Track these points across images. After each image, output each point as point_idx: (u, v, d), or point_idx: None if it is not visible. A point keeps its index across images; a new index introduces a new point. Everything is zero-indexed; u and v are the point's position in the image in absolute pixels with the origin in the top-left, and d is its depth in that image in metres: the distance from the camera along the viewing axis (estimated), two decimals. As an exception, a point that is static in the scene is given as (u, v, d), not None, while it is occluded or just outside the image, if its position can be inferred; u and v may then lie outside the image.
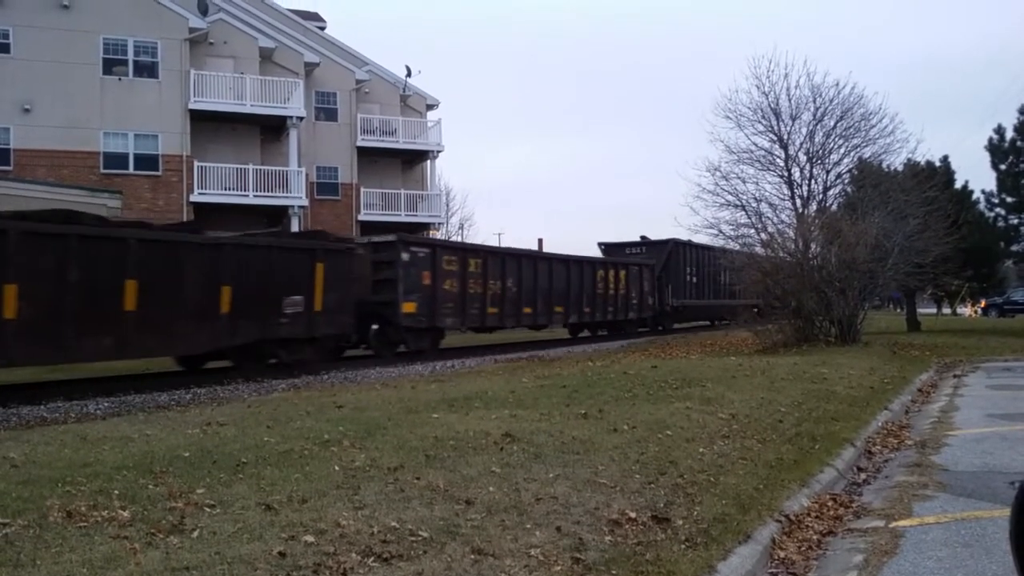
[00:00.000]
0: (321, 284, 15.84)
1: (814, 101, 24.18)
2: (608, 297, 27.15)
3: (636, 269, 29.15)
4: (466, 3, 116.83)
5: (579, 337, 27.85)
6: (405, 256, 18.25)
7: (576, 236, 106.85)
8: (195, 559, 3.74)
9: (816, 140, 24.46)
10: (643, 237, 33.36)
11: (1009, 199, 29.36)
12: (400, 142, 35.33)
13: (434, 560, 3.87)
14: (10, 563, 3.66)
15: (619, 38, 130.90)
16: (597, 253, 32.78)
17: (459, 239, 53.67)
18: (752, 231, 23.79)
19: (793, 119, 24.41)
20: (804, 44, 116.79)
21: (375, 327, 18.21)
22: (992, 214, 30.47)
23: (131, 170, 28.25)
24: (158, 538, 4.04)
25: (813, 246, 21.06)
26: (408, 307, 18.19)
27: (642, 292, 29.24)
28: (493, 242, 56.22)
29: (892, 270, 20.69)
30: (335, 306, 16.16)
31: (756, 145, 24.77)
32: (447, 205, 49.90)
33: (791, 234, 22.08)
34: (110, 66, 28.15)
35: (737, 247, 24.45)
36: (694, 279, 32.50)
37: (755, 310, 31.26)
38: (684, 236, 30.70)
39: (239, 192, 29.23)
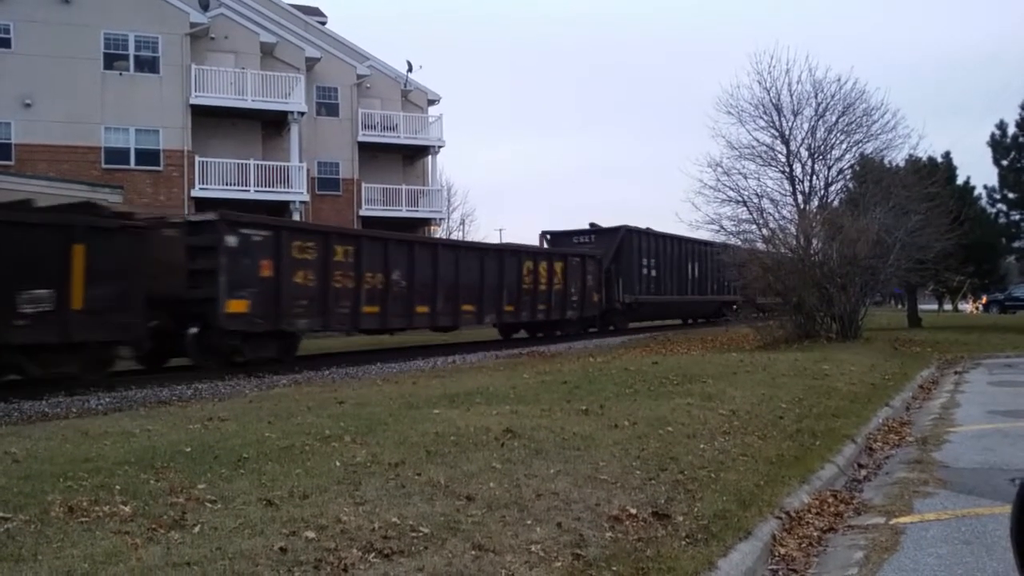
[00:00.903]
0: (82, 273, 12.20)
1: (816, 96, 24.14)
2: (538, 293, 23.20)
3: (577, 261, 24.99)
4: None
5: (513, 338, 25.02)
6: (231, 240, 14.53)
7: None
8: (196, 554, 3.74)
9: (818, 136, 24.41)
10: (592, 224, 29.99)
11: (1011, 195, 29.33)
12: (401, 137, 35.31)
13: (435, 556, 3.87)
14: (11, 558, 3.67)
15: (621, 35, 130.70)
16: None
17: (460, 235, 53.65)
18: (753, 227, 23.75)
19: (795, 114, 24.36)
20: (805, 39, 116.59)
21: (192, 331, 14.57)
22: (994, 210, 30.44)
23: (132, 165, 28.26)
24: (159, 533, 4.05)
25: (814, 242, 21.03)
26: (235, 306, 14.50)
27: (584, 287, 25.19)
28: (494, 238, 56.06)
29: (893, 266, 20.66)
30: (109, 303, 12.49)
31: (758, 140, 24.73)
32: (448, 201, 49.91)
33: (792, 230, 22.05)
34: (111, 61, 28.14)
35: (738, 243, 24.40)
36: (652, 272, 28.77)
37: (734, 308, 31.03)
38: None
39: (240, 187, 29.23)
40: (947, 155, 30.61)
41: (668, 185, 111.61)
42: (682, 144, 70.02)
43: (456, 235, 52.87)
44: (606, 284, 26.42)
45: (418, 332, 20.99)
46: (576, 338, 24.33)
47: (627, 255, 27.31)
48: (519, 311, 22.75)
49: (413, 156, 37.13)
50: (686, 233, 30.38)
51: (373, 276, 17.40)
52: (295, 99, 30.46)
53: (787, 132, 24.47)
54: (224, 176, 29.22)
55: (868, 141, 24.63)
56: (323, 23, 37.37)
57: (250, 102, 29.71)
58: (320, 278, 16.11)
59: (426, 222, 35.65)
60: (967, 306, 51.90)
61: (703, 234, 28.35)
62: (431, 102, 38.28)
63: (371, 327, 18.20)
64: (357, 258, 17.00)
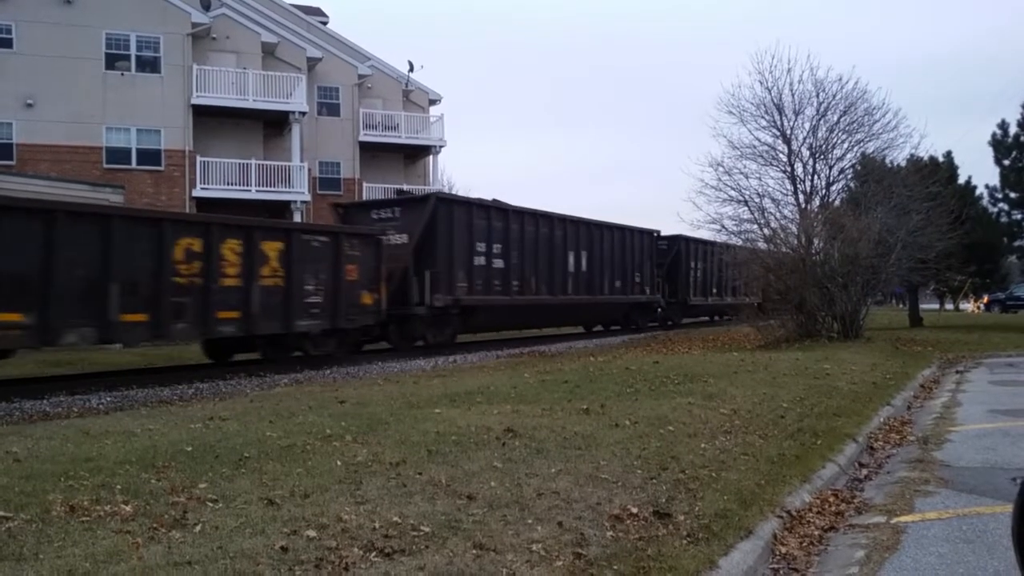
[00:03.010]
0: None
1: (817, 96, 24.16)
2: (210, 293, 13.41)
3: (324, 242, 15.98)
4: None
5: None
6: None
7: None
8: (197, 553, 3.75)
9: (819, 135, 24.44)
10: (400, 191, 24.27)
11: (1012, 194, 29.33)
12: (402, 137, 35.32)
13: (436, 555, 3.87)
14: (13, 557, 3.67)
15: (622, 35, 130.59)
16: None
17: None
18: (755, 226, 23.75)
19: (796, 114, 24.39)
20: (807, 39, 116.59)
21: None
22: (995, 209, 30.45)
23: (134, 165, 28.27)
24: (160, 532, 4.05)
25: (816, 241, 21.03)
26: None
27: (339, 282, 15.98)
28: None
29: (895, 266, 20.67)
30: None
31: (759, 140, 24.76)
32: (449, 200, 49.77)
33: (794, 229, 22.05)
34: (113, 61, 28.15)
35: (740, 242, 24.40)
36: (498, 262, 20.45)
37: (658, 310, 28.96)
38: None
39: (241, 187, 29.23)
40: (948, 154, 30.63)
41: (672, 185, 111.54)
42: (684, 144, 70.04)
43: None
44: (402, 278, 18.22)
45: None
46: (579, 338, 24.00)
47: (444, 236, 18.84)
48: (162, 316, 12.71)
49: (414, 156, 37.14)
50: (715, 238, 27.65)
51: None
52: (296, 99, 30.47)
53: (788, 131, 24.51)
54: (225, 176, 29.23)
55: (869, 140, 24.68)
56: (324, 23, 37.38)
57: (251, 102, 29.71)
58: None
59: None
60: (968, 305, 51.84)
61: (704, 233, 27.91)
62: (432, 102, 38.29)
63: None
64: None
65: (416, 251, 18.51)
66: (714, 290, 33.26)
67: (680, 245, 30.37)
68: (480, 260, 20.01)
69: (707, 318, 35.17)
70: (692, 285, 31.40)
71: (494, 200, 21.82)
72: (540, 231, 22.07)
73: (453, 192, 40.21)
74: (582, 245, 23.85)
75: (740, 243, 24.39)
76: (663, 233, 29.84)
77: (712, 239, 29.55)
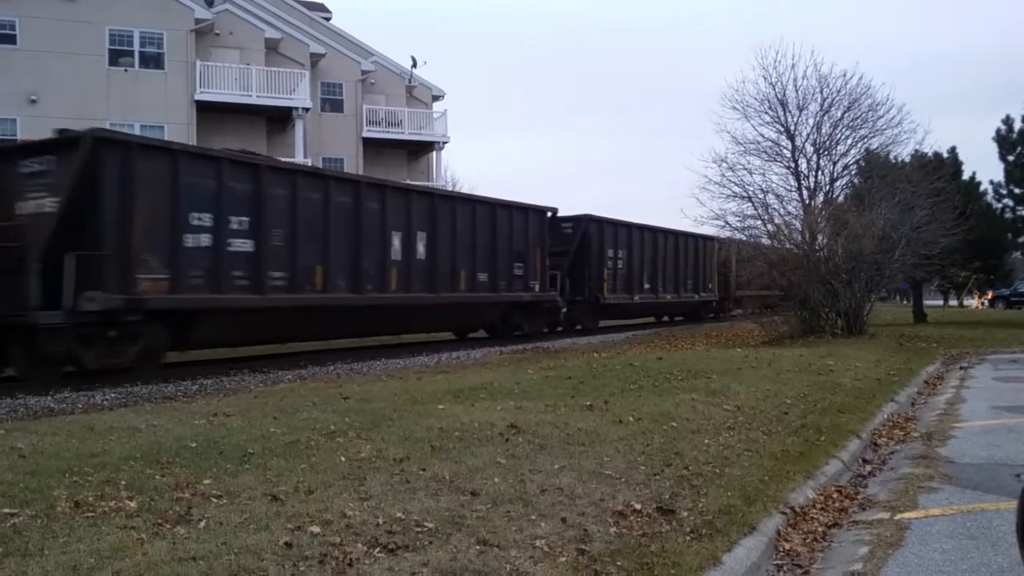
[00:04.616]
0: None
1: (821, 92, 24.04)
2: None
3: None
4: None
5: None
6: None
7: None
8: (202, 549, 3.75)
9: (823, 131, 24.33)
10: (61, 131, 12.81)
11: (1017, 190, 29.30)
12: (406, 133, 35.30)
13: (440, 551, 3.88)
14: (18, 552, 3.69)
15: (626, 33, 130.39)
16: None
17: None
18: (759, 223, 23.69)
19: (800, 110, 24.27)
20: (811, 34, 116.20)
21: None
22: (1000, 205, 30.43)
23: (137, 161, 28.25)
24: (165, 528, 4.06)
25: (820, 237, 20.98)
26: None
27: None
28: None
29: (899, 261, 20.64)
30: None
31: (763, 136, 24.64)
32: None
33: (798, 225, 22.00)
34: (116, 57, 28.15)
35: (743, 238, 24.34)
36: (242, 244, 13.70)
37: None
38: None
39: (245, 183, 29.20)
40: (953, 150, 30.59)
41: (676, 182, 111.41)
42: (688, 140, 69.89)
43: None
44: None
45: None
46: (582, 335, 23.71)
47: (111, 198, 12.09)
48: None
49: (418, 152, 37.12)
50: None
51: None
52: (300, 95, 30.47)
53: (792, 127, 24.40)
54: (229, 172, 29.20)
55: (874, 136, 24.57)
56: (328, 19, 37.37)
57: (255, 98, 29.71)
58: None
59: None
60: (972, 302, 51.75)
61: (708, 229, 27.35)
62: (435, 98, 38.24)
63: None
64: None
65: (62, 223, 11.66)
66: (646, 285, 27.06)
67: (589, 228, 24.22)
68: (200, 239, 13.06)
69: (642, 320, 29.92)
70: (609, 279, 24.88)
71: (244, 151, 15.98)
72: (334, 200, 15.42)
73: (457, 186, 39.92)
74: (418, 224, 17.50)
75: (743, 239, 24.30)
76: (568, 213, 24.04)
77: (645, 222, 25.99)
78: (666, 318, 31.77)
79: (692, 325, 28.92)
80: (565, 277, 23.27)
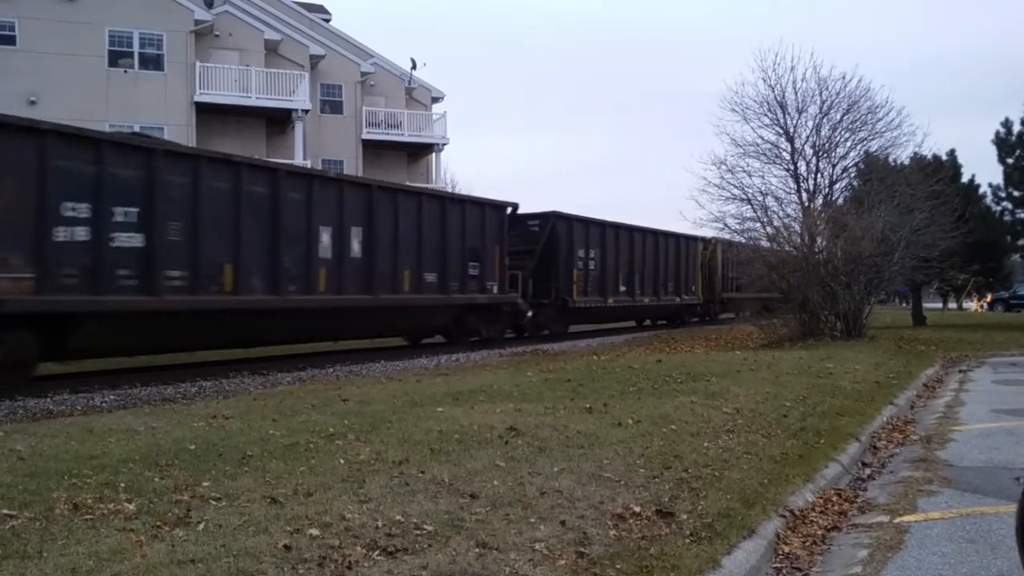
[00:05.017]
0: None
1: (820, 94, 24.17)
2: None
3: None
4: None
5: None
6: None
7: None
8: (201, 552, 3.75)
9: (822, 133, 24.45)
10: None
11: (1016, 193, 29.32)
12: (405, 135, 35.32)
13: (439, 554, 3.87)
14: (17, 555, 3.68)
15: (626, 34, 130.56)
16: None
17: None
18: (758, 225, 23.74)
19: (799, 112, 24.39)
20: (810, 36, 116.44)
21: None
22: (999, 208, 30.45)
23: (137, 163, 28.25)
24: (164, 531, 4.06)
25: (819, 240, 21.01)
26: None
27: None
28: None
29: (898, 264, 20.65)
30: None
31: (762, 138, 24.76)
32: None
33: (797, 228, 22.04)
34: (116, 58, 28.17)
35: (743, 240, 24.38)
36: (122, 236, 12.22)
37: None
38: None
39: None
40: (952, 153, 30.64)
41: (675, 184, 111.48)
42: (688, 141, 69.92)
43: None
44: None
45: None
46: (581, 337, 23.66)
47: None
48: None
49: (417, 153, 37.13)
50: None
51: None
52: (299, 96, 30.48)
53: (792, 130, 24.51)
54: (228, 174, 29.20)
55: (873, 139, 24.68)
56: (327, 20, 37.38)
57: (254, 99, 29.73)
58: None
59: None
60: (972, 304, 51.79)
61: (707, 231, 27.37)
62: (435, 99, 38.27)
63: None
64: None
65: None
66: (622, 287, 25.55)
67: (557, 226, 22.71)
68: (74, 233, 11.54)
69: (621, 324, 28.12)
70: (579, 280, 23.33)
71: (135, 134, 14.90)
72: (247, 191, 13.94)
73: (456, 188, 39.86)
74: (352, 218, 16.00)
75: (742, 240, 24.31)
76: (536, 211, 23.00)
77: (621, 220, 24.78)
78: (648, 322, 30.28)
79: (676, 329, 27.48)
80: (528, 278, 22.00)
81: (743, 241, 24.25)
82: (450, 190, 38.85)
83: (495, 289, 19.98)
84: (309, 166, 30.72)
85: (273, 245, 14.40)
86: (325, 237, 15.40)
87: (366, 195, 16.51)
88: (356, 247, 16.05)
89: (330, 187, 15.82)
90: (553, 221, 22.73)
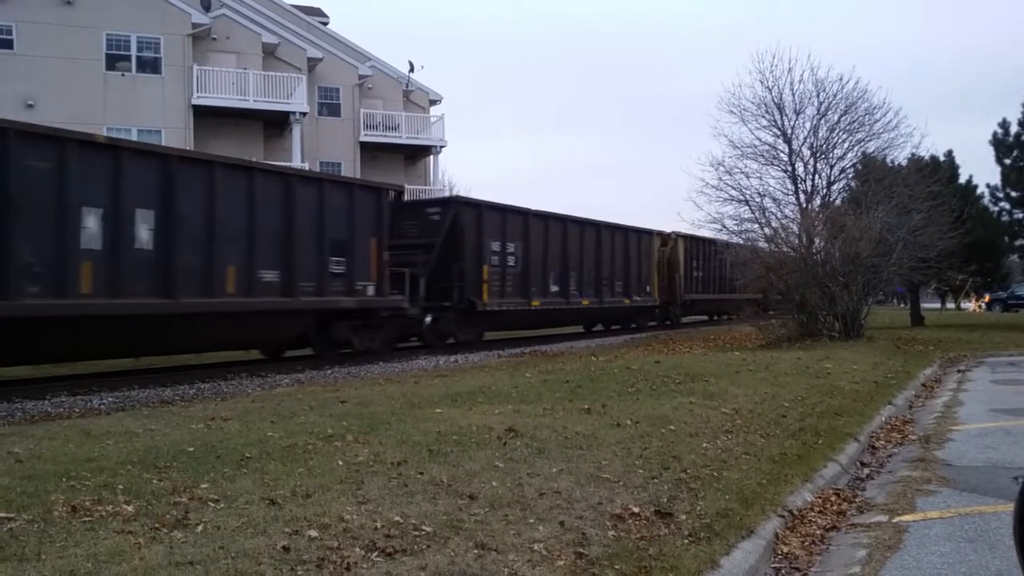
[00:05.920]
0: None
1: (818, 95, 24.15)
2: None
3: None
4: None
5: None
6: None
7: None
8: (199, 553, 3.75)
9: (820, 134, 24.43)
10: None
11: (1013, 193, 29.32)
12: (403, 137, 35.34)
13: (437, 555, 3.87)
14: (15, 557, 3.67)
15: (625, 35, 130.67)
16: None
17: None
18: (756, 226, 23.74)
19: (797, 113, 24.37)
20: (807, 37, 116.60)
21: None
22: (996, 208, 30.46)
23: (134, 166, 28.24)
24: (162, 532, 4.05)
25: (817, 241, 21.02)
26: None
27: None
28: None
29: (896, 265, 20.66)
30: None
31: (760, 140, 24.74)
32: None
33: (795, 229, 22.04)
34: (113, 62, 28.17)
35: (741, 242, 24.38)
36: None
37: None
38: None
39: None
40: (949, 154, 30.64)
41: (673, 185, 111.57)
42: (686, 142, 70.00)
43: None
44: None
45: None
46: (579, 337, 23.61)
47: None
48: None
49: (415, 156, 37.15)
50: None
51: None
52: (297, 99, 30.48)
53: (789, 131, 24.50)
54: (226, 176, 29.19)
55: (870, 140, 24.68)
56: (325, 23, 37.40)
57: (252, 102, 29.72)
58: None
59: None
60: (970, 305, 51.86)
61: (705, 233, 27.41)
62: (433, 102, 38.31)
63: None
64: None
65: None
66: (553, 287, 22.05)
67: (461, 215, 19.15)
68: None
69: (557, 331, 24.66)
70: (493, 279, 19.78)
71: None
72: None
73: (454, 190, 39.83)
74: (137, 198, 12.25)
75: (740, 242, 24.31)
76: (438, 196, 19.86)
77: (550, 210, 21.66)
78: (600, 327, 27.03)
79: (639, 334, 25.20)
80: (421, 277, 17.92)
81: (741, 242, 24.25)
82: (448, 192, 38.57)
83: (370, 291, 16.22)
84: (307, 168, 30.73)
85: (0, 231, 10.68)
86: (91, 221, 11.62)
87: (161, 167, 12.59)
88: (144, 235, 12.28)
89: (101, 156, 11.85)
90: (456, 209, 19.22)
